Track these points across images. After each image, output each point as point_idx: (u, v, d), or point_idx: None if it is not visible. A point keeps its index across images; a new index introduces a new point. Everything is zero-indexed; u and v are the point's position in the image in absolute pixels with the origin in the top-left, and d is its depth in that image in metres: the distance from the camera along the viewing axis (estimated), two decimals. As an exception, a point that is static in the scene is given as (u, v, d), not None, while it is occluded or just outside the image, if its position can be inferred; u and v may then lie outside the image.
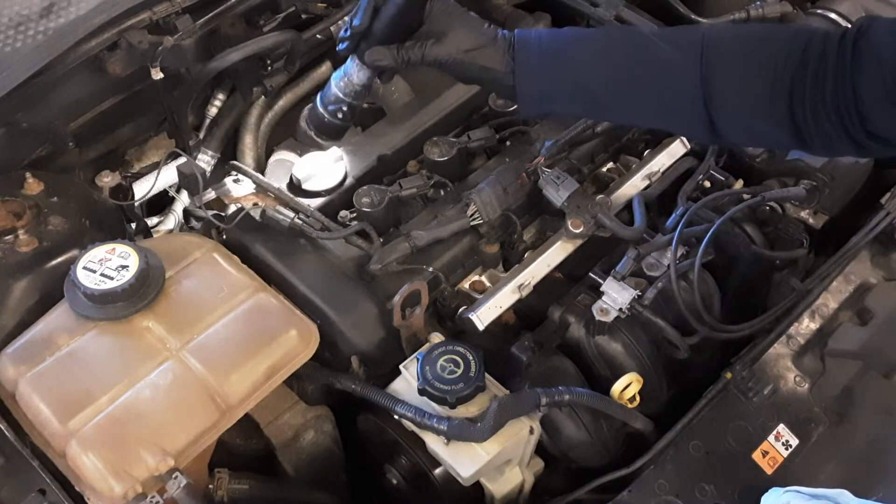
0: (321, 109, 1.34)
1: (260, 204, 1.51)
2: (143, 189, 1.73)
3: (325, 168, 1.60)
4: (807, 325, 1.45)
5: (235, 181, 1.55)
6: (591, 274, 1.46)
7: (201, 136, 1.82)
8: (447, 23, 1.19)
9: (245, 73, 1.77)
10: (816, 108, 1.06)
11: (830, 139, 1.08)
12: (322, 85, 2.02)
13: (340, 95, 1.31)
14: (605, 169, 1.71)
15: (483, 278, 1.54)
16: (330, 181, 1.58)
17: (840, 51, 1.04)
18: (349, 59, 1.28)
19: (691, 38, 1.14)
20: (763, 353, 1.41)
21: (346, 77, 1.29)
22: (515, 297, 1.46)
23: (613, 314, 1.39)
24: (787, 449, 1.31)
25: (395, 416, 1.27)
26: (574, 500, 1.32)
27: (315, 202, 1.55)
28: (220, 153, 1.85)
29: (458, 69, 1.20)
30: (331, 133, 1.37)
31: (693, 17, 1.90)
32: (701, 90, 1.10)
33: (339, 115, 1.33)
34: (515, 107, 1.71)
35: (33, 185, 1.42)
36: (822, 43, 1.06)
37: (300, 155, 1.83)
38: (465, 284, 1.53)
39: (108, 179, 1.62)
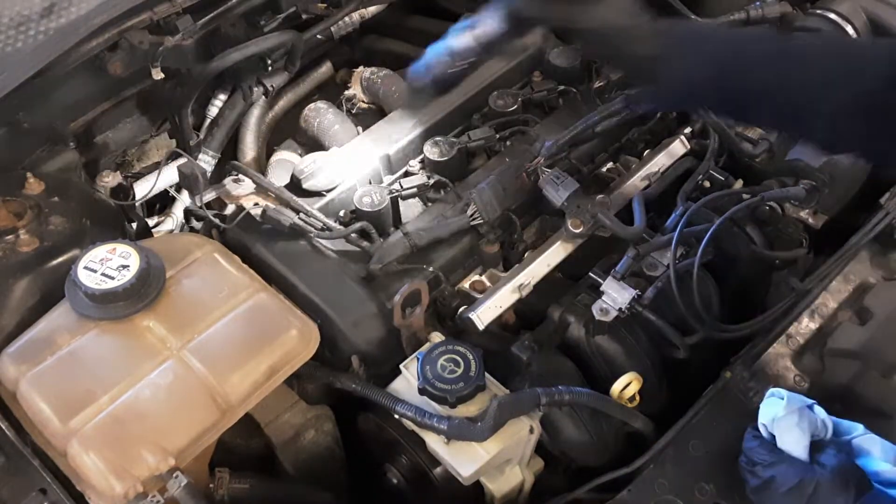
0: (447, 57, 1.27)
1: (260, 204, 1.52)
2: (143, 189, 1.73)
3: (327, 167, 1.60)
4: (806, 325, 1.45)
5: (236, 181, 1.55)
6: (591, 274, 1.46)
7: (202, 136, 1.82)
8: None
9: (245, 73, 1.78)
10: None
11: None
12: (322, 85, 2.05)
13: (474, 46, 1.24)
14: (605, 169, 1.71)
15: (483, 278, 1.55)
16: (332, 181, 1.58)
17: None
18: (488, 10, 1.23)
19: (836, 46, 1.13)
20: (763, 352, 1.41)
21: (480, 27, 1.23)
22: (515, 296, 1.46)
23: (613, 314, 1.39)
24: (787, 448, 1.30)
25: (396, 416, 1.27)
26: (574, 499, 1.32)
27: (315, 202, 1.55)
28: (220, 153, 1.85)
29: (604, 41, 1.16)
30: (443, 85, 1.31)
31: (693, 17, 1.89)
32: (835, 100, 1.08)
33: (465, 66, 1.28)
34: (516, 107, 1.72)
35: (34, 185, 1.42)
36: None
37: (301, 155, 1.83)
38: (465, 284, 1.53)
39: (108, 179, 1.63)
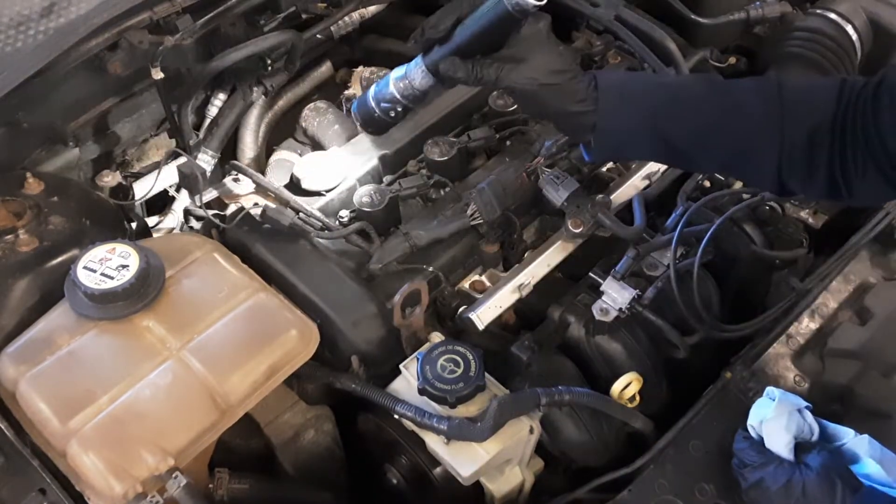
0: (372, 104, 1.28)
1: (260, 203, 1.52)
2: (143, 189, 1.73)
3: (327, 167, 1.60)
4: (806, 325, 1.45)
5: (235, 181, 1.55)
6: (591, 274, 1.46)
7: (201, 135, 1.82)
8: (530, 49, 1.12)
9: (245, 73, 1.78)
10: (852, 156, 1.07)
11: (868, 187, 1.08)
12: (322, 85, 2.05)
13: (397, 96, 1.25)
14: (605, 169, 1.71)
15: (483, 278, 1.55)
16: (332, 181, 1.58)
17: (861, 96, 1.06)
18: (414, 62, 1.23)
19: (769, 89, 1.12)
20: (763, 352, 1.41)
21: (408, 79, 1.24)
22: (515, 296, 1.46)
23: (613, 314, 1.39)
24: (786, 448, 1.30)
25: (396, 416, 1.27)
26: (574, 499, 1.32)
27: (315, 202, 1.55)
28: (220, 153, 1.85)
29: (532, 99, 1.13)
30: (377, 128, 1.32)
31: (693, 17, 1.89)
32: (779, 141, 1.09)
33: (392, 115, 1.28)
34: (515, 107, 1.72)
35: (33, 185, 1.42)
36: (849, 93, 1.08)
37: (300, 155, 1.83)
38: (465, 284, 1.53)
39: (108, 179, 1.62)
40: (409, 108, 1.28)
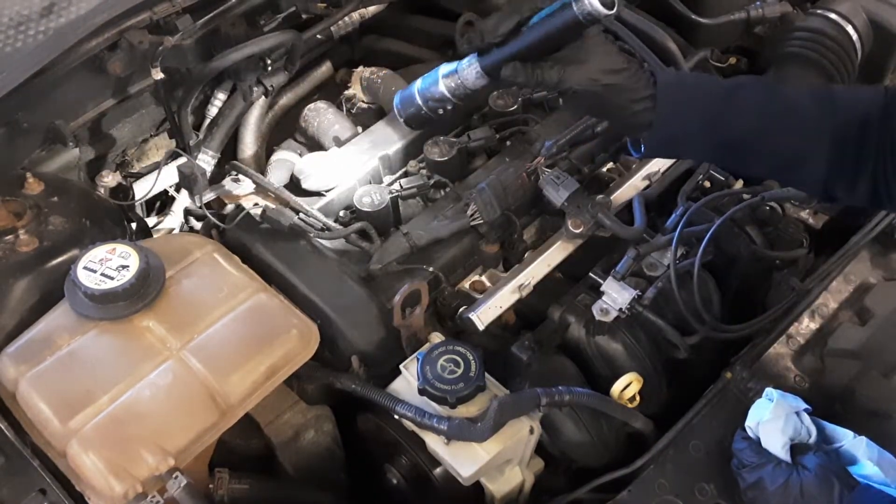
0: (419, 101, 1.26)
1: (260, 204, 1.52)
2: (143, 189, 1.73)
3: (327, 167, 1.60)
4: (807, 325, 1.45)
5: (235, 181, 1.55)
6: (591, 274, 1.46)
7: (201, 135, 1.82)
8: (590, 50, 1.12)
9: (245, 73, 1.78)
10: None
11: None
12: (322, 85, 2.05)
13: (447, 94, 1.24)
14: (605, 169, 1.71)
15: (483, 278, 1.55)
16: (332, 180, 1.58)
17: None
18: (466, 61, 1.22)
19: (822, 96, 1.13)
20: (763, 352, 1.41)
21: (459, 78, 1.22)
22: (515, 297, 1.46)
23: (613, 314, 1.39)
24: (786, 449, 1.30)
25: (396, 416, 1.27)
26: (574, 499, 1.32)
27: (315, 202, 1.55)
28: (220, 153, 1.85)
29: (592, 99, 1.14)
30: (420, 124, 1.30)
31: (693, 17, 1.89)
32: (828, 148, 1.10)
33: (440, 112, 1.27)
34: (516, 107, 1.72)
35: (34, 185, 1.42)
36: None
37: (300, 155, 1.83)
38: (465, 284, 1.53)
39: (108, 179, 1.62)
40: (458, 106, 1.27)
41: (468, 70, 1.21)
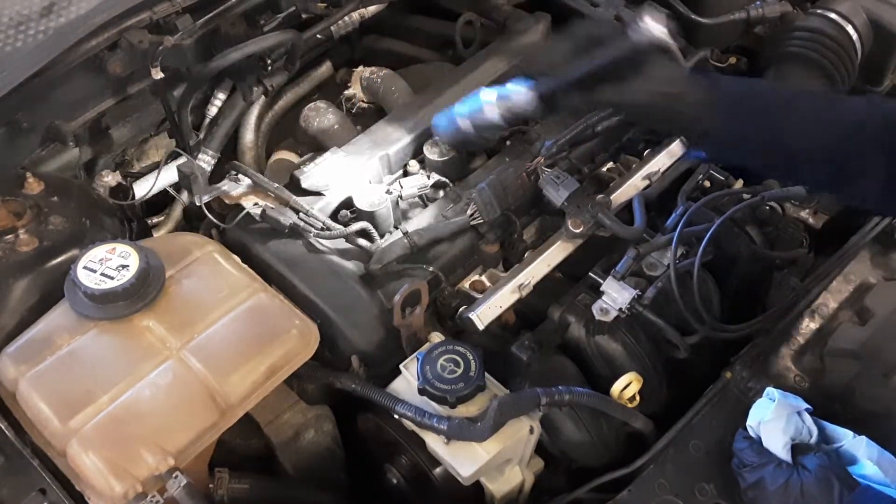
0: (470, 129, 1.27)
1: (260, 204, 1.52)
2: (143, 189, 1.73)
3: (327, 167, 1.60)
4: (807, 325, 1.45)
5: (235, 181, 1.55)
6: (591, 274, 1.46)
7: (201, 135, 1.82)
8: (646, 66, 1.13)
9: (245, 73, 1.78)
10: None
11: None
12: (322, 85, 2.05)
13: (499, 121, 1.24)
14: (605, 169, 1.71)
15: (483, 278, 1.55)
16: (332, 180, 1.58)
17: None
18: (517, 86, 1.21)
19: (881, 109, 1.13)
20: (763, 352, 1.41)
21: (510, 104, 1.22)
22: (515, 296, 1.46)
23: (613, 314, 1.39)
24: (786, 449, 1.30)
25: (396, 416, 1.27)
26: (574, 499, 1.32)
27: (315, 202, 1.55)
28: (220, 153, 1.85)
29: (652, 111, 1.15)
30: (469, 147, 1.32)
31: (693, 16, 1.89)
32: (885, 161, 1.09)
33: (489, 136, 1.28)
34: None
35: (33, 185, 1.42)
36: None
37: (300, 155, 1.83)
38: (465, 284, 1.53)
39: (108, 179, 1.62)
40: (510, 129, 1.28)
41: (520, 96, 1.20)
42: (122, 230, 1.50)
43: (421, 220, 1.55)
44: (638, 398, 1.33)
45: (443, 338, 1.34)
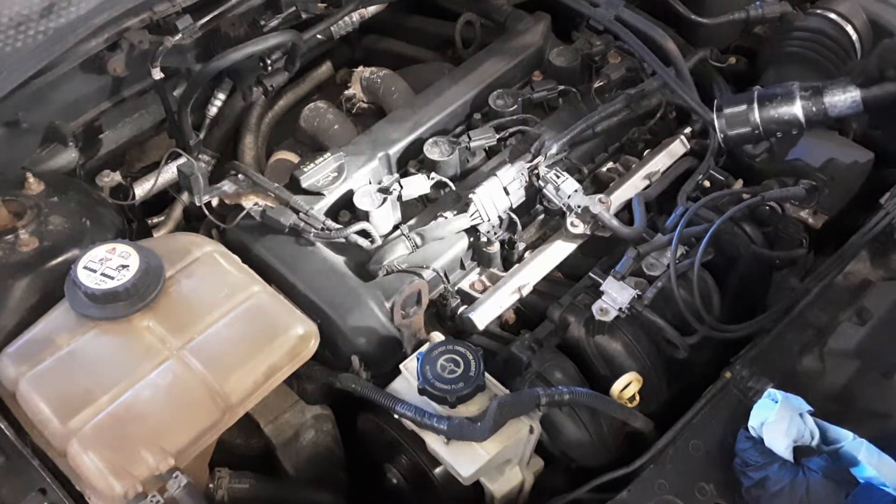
0: (757, 120, 1.27)
1: (260, 204, 1.52)
2: (143, 189, 1.73)
3: (327, 167, 1.60)
4: (807, 325, 1.44)
5: (235, 181, 1.55)
6: (591, 274, 1.46)
7: (201, 136, 1.82)
8: None
9: (245, 73, 1.78)
10: None
11: None
12: (322, 85, 2.05)
13: (800, 118, 1.25)
14: (605, 169, 1.71)
15: (483, 278, 1.55)
16: (331, 180, 1.58)
17: None
18: (836, 86, 1.22)
19: None
20: (763, 352, 1.40)
21: (824, 103, 1.22)
22: (515, 296, 1.46)
23: (613, 314, 1.39)
24: (786, 448, 1.30)
25: (396, 416, 1.27)
26: (574, 499, 1.32)
27: (315, 202, 1.55)
28: (220, 153, 1.85)
29: None
30: (738, 144, 1.36)
31: (693, 17, 1.89)
32: None
33: (777, 135, 1.31)
34: (516, 107, 1.72)
35: (34, 185, 1.42)
36: None
37: (300, 155, 1.83)
38: (465, 284, 1.53)
39: (108, 179, 1.63)
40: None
41: (842, 97, 1.19)
42: (122, 230, 1.50)
43: (421, 220, 1.55)
44: (638, 398, 1.33)
45: (443, 338, 1.34)
